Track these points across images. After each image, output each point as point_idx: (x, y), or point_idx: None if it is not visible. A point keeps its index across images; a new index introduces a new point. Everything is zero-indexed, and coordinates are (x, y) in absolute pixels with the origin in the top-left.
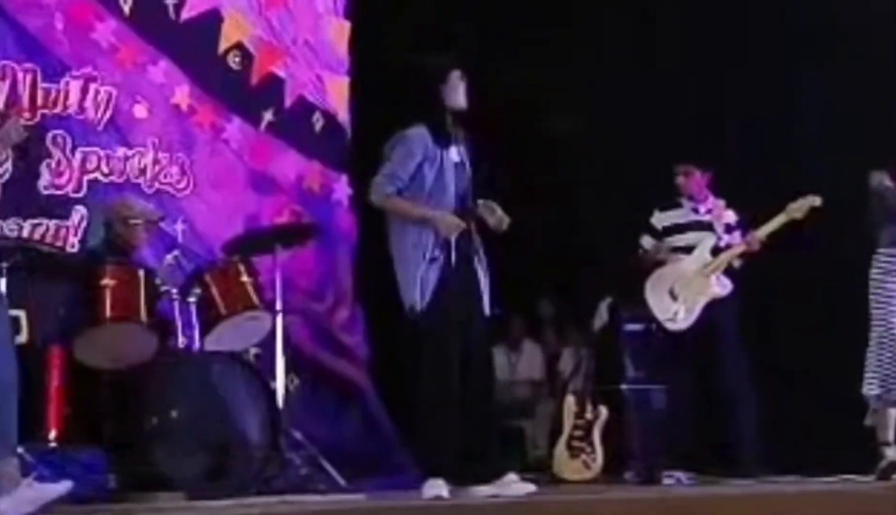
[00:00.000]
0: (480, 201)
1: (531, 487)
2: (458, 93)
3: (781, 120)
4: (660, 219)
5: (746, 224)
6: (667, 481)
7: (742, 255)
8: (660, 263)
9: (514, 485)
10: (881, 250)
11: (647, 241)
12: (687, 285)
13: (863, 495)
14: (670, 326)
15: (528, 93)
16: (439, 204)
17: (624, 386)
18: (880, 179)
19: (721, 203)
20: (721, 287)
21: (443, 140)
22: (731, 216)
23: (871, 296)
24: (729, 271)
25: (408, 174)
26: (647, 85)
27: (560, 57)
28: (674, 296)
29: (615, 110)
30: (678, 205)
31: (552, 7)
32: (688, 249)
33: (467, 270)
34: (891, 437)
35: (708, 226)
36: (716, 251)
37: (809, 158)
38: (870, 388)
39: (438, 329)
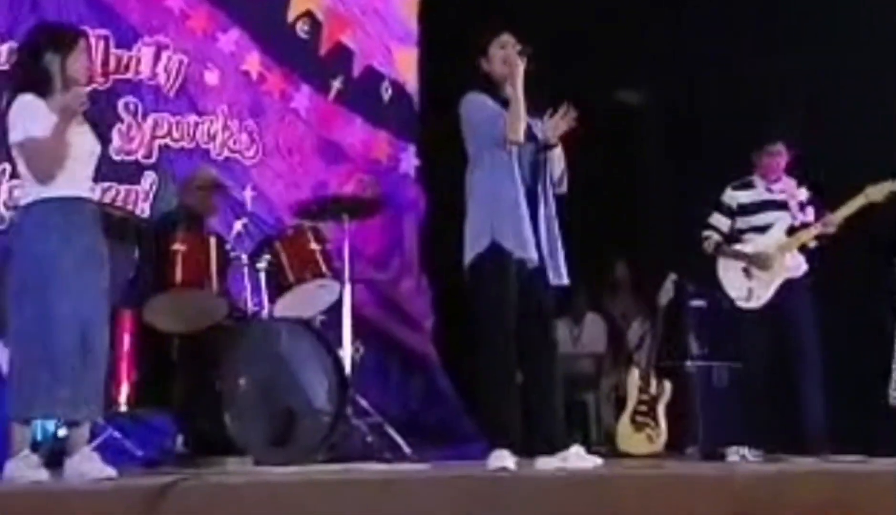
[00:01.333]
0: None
1: (598, 460)
2: (495, 64)
3: (857, 100)
4: (734, 197)
5: (819, 202)
6: (731, 457)
7: (817, 237)
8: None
9: (580, 458)
10: None
11: (718, 220)
12: (762, 264)
13: None
14: (743, 304)
15: (601, 66)
16: (509, 163)
17: (688, 363)
18: None
19: (792, 182)
20: (795, 266)
21: (499, 105)
22: (803, 193)
23: None
24: (803, 250)
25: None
26: (721, 59)
27: (633, 30)
28: (748, 275)
29: (688, 83)
30: (751, 184)
31: None
32: (763, 228)
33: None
34: None
35: (783, 206)
36: (791, 230)
37: (885, 139)
38: None
39: (494, 285)
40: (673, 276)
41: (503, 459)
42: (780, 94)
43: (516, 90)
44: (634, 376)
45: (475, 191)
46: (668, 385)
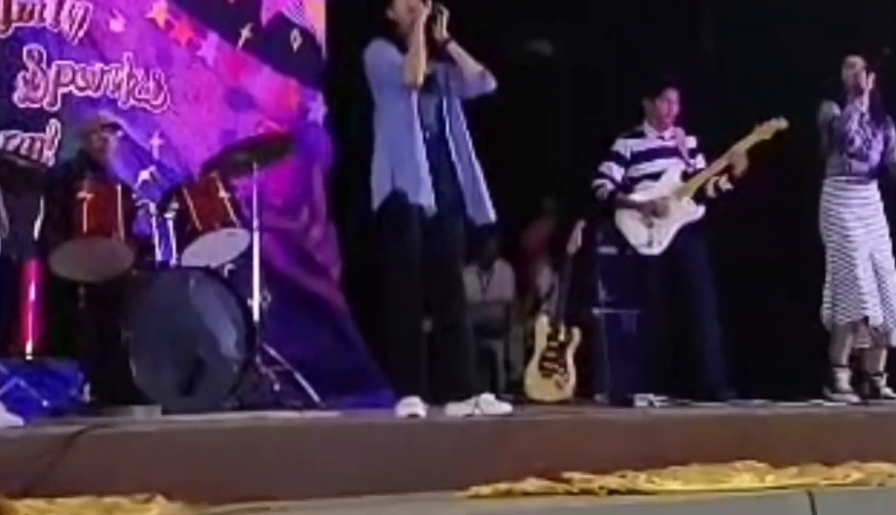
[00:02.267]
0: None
1: (507, 407)
2: (399, 11)
3: (750, 47)
4: (626, 147)
5: (707, 149)
6: (638, 403)
7: (725, 172)
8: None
9: (490, 405)
10: (827, 179)
11: (610, 167)
12: (658, 210)
13: (834, 416)
14: (645, 251)
15: (504, 17)
16: (408, 110)
17: (596, 310)
18: (828, 109)
19: (681, 130)
20: (693, 210)
21: (403, 53)
22: (691, 141)
23: (821, 225)
24: (702, 196)
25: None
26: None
27: None
28: (647, 222)
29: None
30: (642, 133)
31: None
32: (657, 175)
33: (445, 167)
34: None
35: (675, 152)
36: (685, 176)
37: (773, 87)
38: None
39: (397, 231)
40: (582, 223)
41: (413, 406)
42: (677, 42)
43: (416, 33)
44: (543, 323)
45: (378, 138)
46: (576, 332)
